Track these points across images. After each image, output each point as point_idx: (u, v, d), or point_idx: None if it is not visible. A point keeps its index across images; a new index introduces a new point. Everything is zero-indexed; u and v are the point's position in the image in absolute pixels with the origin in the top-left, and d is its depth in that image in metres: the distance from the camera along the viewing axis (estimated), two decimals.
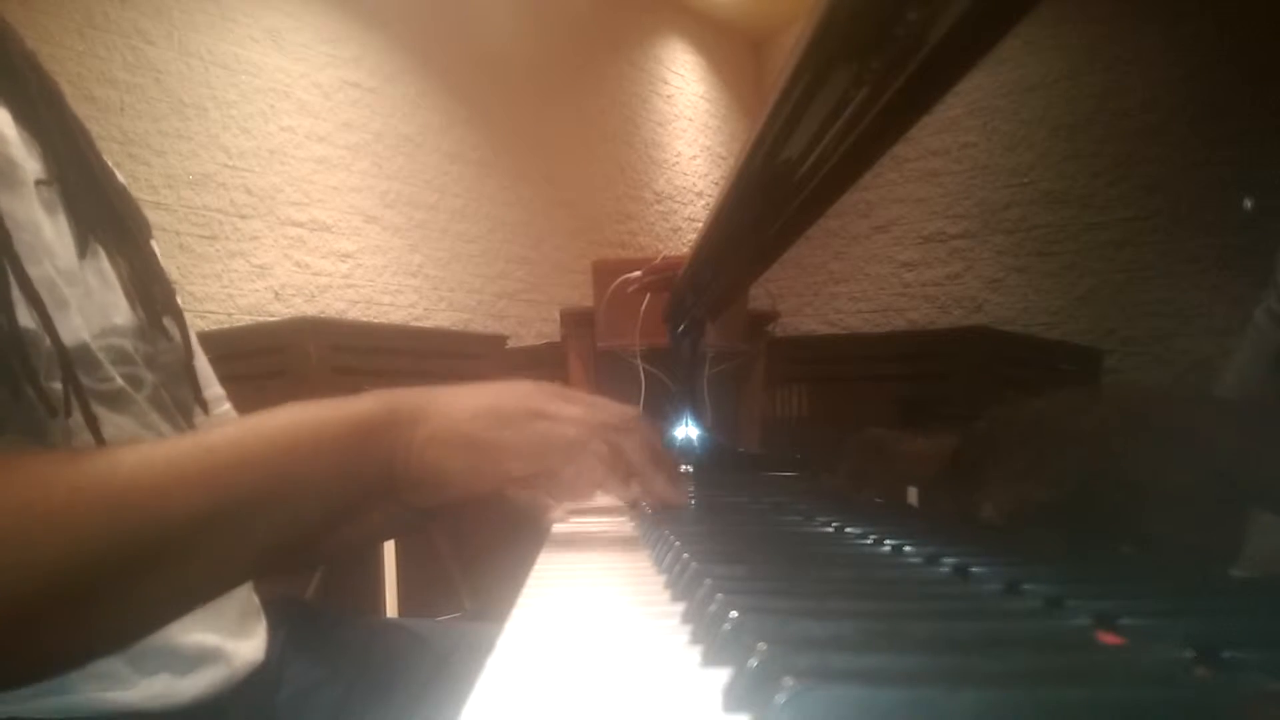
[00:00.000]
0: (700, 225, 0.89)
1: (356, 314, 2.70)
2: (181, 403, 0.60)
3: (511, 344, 2.21)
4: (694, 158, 4.10)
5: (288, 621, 0.66)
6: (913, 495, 0.65)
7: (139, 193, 0.62)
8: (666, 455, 0.51)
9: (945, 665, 0.20)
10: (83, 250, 0.52)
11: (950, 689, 0.17)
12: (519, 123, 3.25)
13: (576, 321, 2.16)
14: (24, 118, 0.51)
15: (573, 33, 3.48)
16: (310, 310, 2.57)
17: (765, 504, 0.64)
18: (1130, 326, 3.02)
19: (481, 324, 3.06)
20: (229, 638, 0.57)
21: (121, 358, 0.53)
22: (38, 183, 0.50)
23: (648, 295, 1.79)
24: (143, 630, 0.40)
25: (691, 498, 0.50)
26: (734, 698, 0.19)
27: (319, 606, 0.74)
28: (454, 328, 2.94)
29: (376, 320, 2.71)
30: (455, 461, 0.45)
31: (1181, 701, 0.17)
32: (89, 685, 0.47)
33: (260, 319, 2.41)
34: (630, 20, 3.80)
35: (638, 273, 1.82)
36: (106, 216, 0.55)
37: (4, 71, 0.52)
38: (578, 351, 2.12)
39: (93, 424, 0.48)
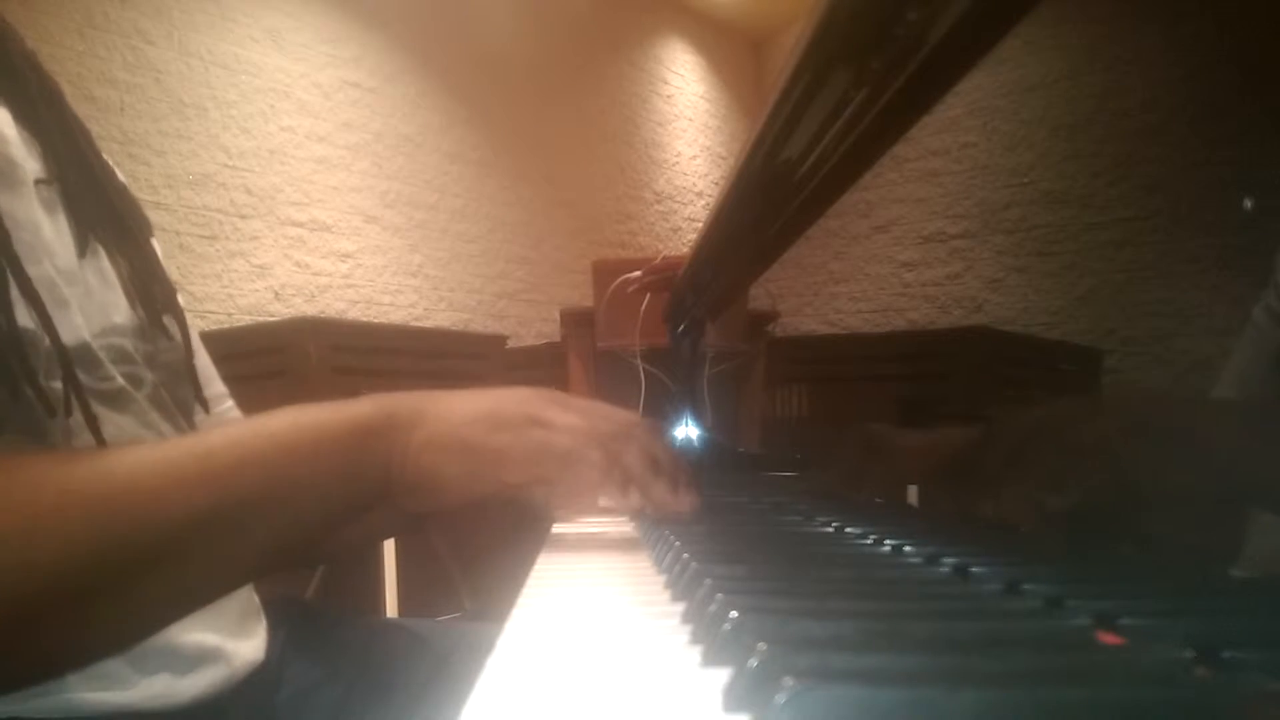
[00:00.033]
0: (700, 225, 0.89)
1: (356, 314, 2.70)
2: (182, 402, 0.60)
3: (511, 344, 2.21)
4: (694, 158, 4.10)
5: (288, 621, 0.66)
6: (913, 494, 0.65)
7: (139, 193, 0.62)
8: (670, 461, 0.50)
9: (945, 665, 0.20)
10: (82, 249, 0.52)
11: (950, 689, 0.17)
12: (519, 123, 3.25)
13: (576, 321, 2.16)
14: (24, 117, 0.51)
15: (573, 33, 3.48)
16: (310, 310, 2.57)
17: (765, 504, 0.64)
18: (1130, 326, 3.02)
19: (481, 324, 3.07)
20: (229, 637, 0.57)
21: (122, 357, 0.53)
22: (37, 182, 0.50)
23: (648, 295, 1.79)
24: (142, 632, 0.40)
25: (694, 504, 0.49)
26: (734, 698, 0.19)
27: (319, 606, 0.74)
28: (454, 328, 2.94)
29: (376, 320, 2.71)
30: (451, 467, 0.44)
31: (1181, 701, 0.17)
32: (89, 685, 0.47)
33: (260, 319, 2.41)
34: (630, 20, 3.80)
35: (638, 273, 1.82)
36: (106, 215, 0.55)
37: (4, 71, 0.52)
38: (578, 351, 2.12)
39: (92, 424, 0.48)
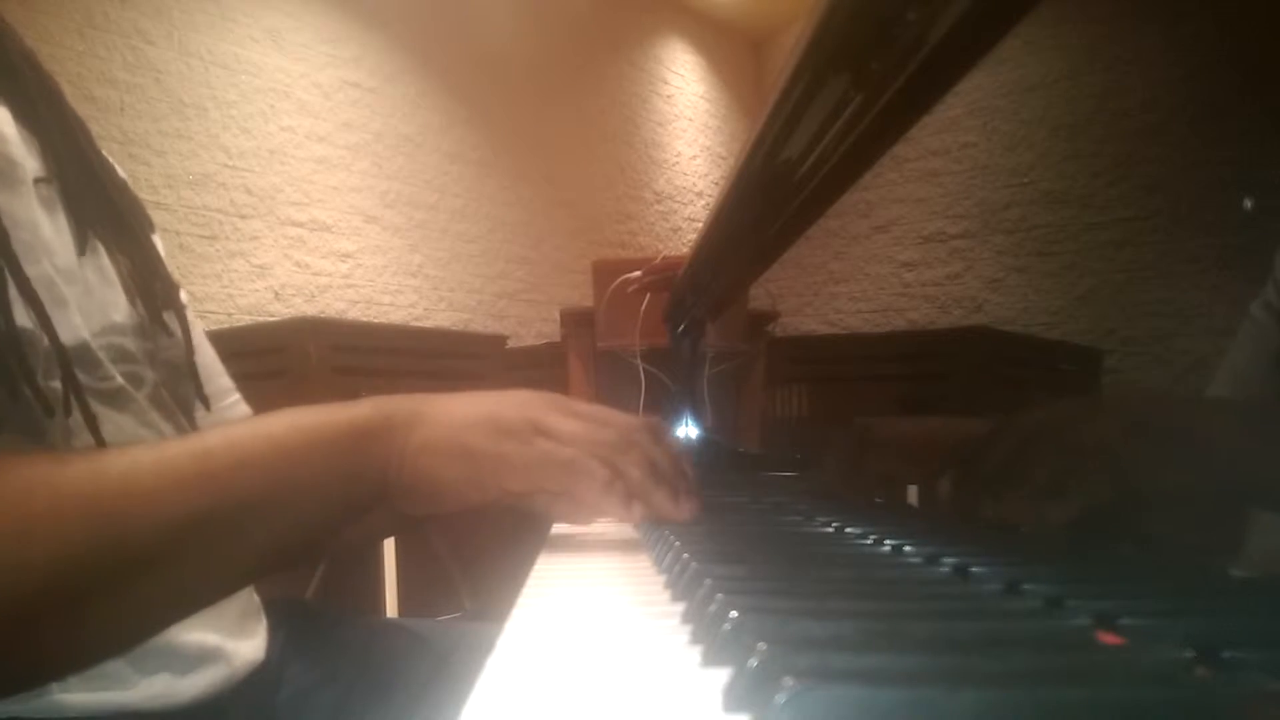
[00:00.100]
0: (700, 225, 0.89)
1: (356, 314, 2.70)
2: (183, 400, 0.60)
3: (511, 344, 2.21)
4: (694, 158, 4.10)
5: (288, 621, 0.66)
6: (913, 494, 0.65)
7: (139, 193, 0.63)
8: (672, 465, 0.49)
9: (945, 665, 0.20)
10: (82, 247, 0.52)
11: (950, 689, 0.17)
12: (519, 123, 3.25)
13: (576, 321, 2.16)
14: (23, 116, 0.51)
15: (573, 33, 3.48)
16: (310, 310, 2.57)
17: (765, 504, 0.64)
18: (1130, 326, 3.02)
19: (481, 324, 3.07)
20: (229, 637, 0.57)
21: (122, 356, 0.53)
22: (37, 181, 0.50)
23: (648, 295, 1.79)
24: (140, 635, 0.40)
25: (696, 508, 0.49)
26: (734, 698, 0.19)
27: (319, 606, 0.74)
28: (454, 328, 2.94)
29: (376, 320, 2.71)
30: (449, 471, 0.44)
31: (1181, 701, 0.17)
32: (89, 685, 0.47)
33: (260, 319, 2.41)
34: (630, 20, 3.80)
35: (638, 273, 1.82)
36: (106, 213, 0.55)
37: (3, 70, 0.52)
38: (578, 351, 2.12)
39: (92, 423, 0.48)
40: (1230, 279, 2.69)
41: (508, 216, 3.20)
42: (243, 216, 2.44)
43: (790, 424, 2.15)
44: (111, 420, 0.50)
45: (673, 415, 1.14)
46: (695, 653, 0.24)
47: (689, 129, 4.08)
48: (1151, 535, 0.43)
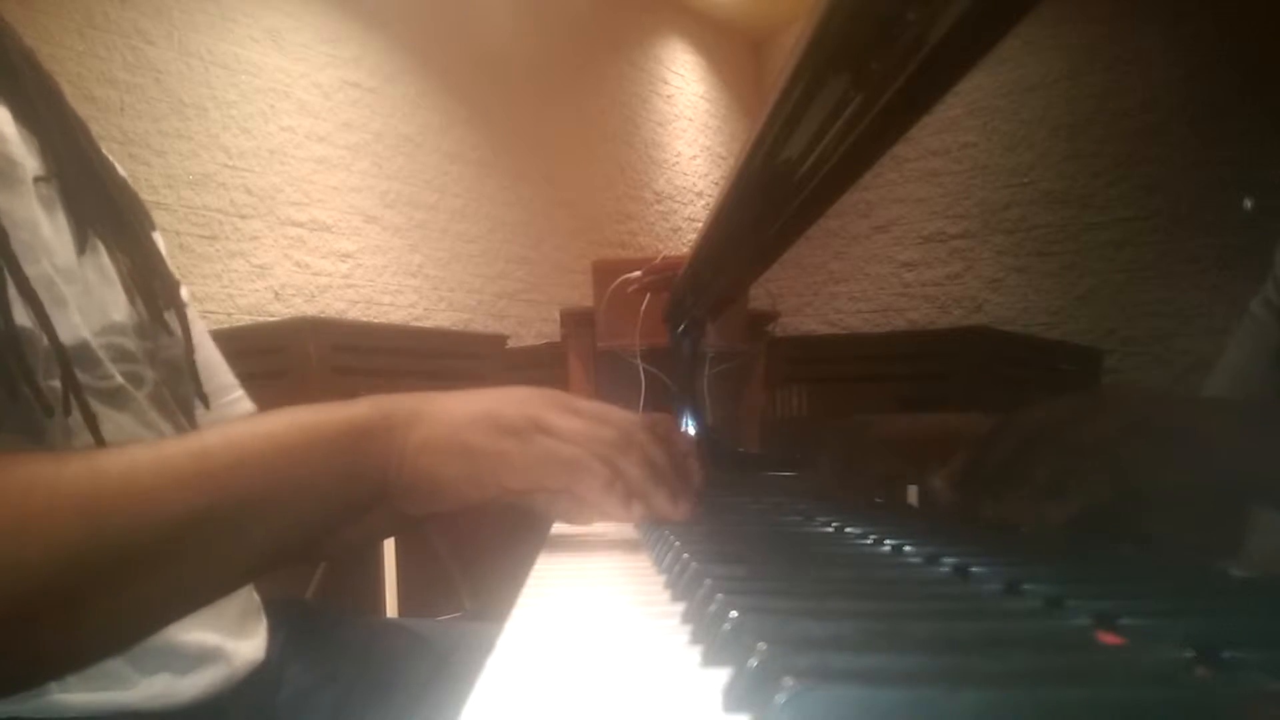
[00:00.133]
0: (700, 225, 0.89)
1: (356, 314, 2.70)
2: (183, 399, 0.60)
3: (511, 344, 2.21)
4: (694, 158, 4.10)
5: (288, 621, 0.66)
6: (909, 493, 0.65)
7: (139, 192, 0.63)
8: (674, 464, 0.49)
9: (945, 665, 0.20)
10: (81, 246, 0.52)
11: (950, 689, 0.17)
12: (519, 123, 3.25)
13: (576, 321, 2.16)
14: (22, 115, 0.51)
15: (573, 33, 3.48)
16: (310, 310, 2.57)
17: (765, 504, 0.64)
18: (1130, 326, 3.02)
19: (481, 324, 3.07)
20: (229, 637, 0.57)
21: (122, 355, 0.53)
22: (36, 180, 0.50)
23: (648, 295, 1.79)
24: (138, 634, 0.40)
25: (696, 507, 0.49)
26: (734, 698, 0.19)
27: (319, 606, 0.74)
28: (454, 328, 2.95)
29: (376, 320, 2.71)
30: (450, 469, 0.44)
31: (1181, 701, 0.17)
32: (89, 685, 0.47)
33: (260, 319, 2.41)
34: (630, 20, 3.80)
35: (638, 273, 1.82)
36: (106, 211, 0.55)
37: (2, 69, 0.52)
38: (578, 351, 2.12)
39: (91, 423, 0.48)
40: (1230, 279, 2.69)
41: (508, 216, 3.20)
42: (243, 216, 2.44)
43: (790, 424, 2.15)
44: (111, 420, 0.50)
45: (672, 415, 1.14)
46: (695, 653, 0.24)
47: (689, 129, 4.08)
48: (1151, 535, 0.43)
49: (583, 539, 0.53)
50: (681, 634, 0.27)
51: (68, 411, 0.46)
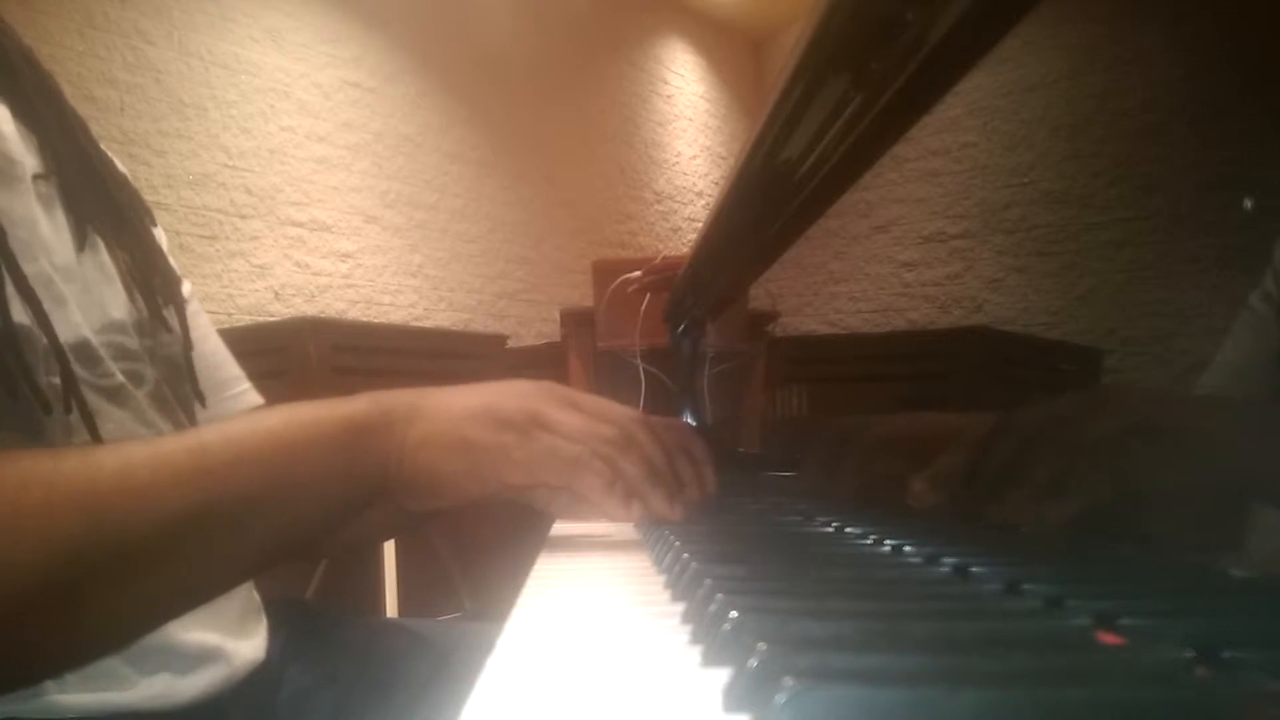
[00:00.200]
0: (700, 225, 0.89)
1: (356, 314, 2.70)
2: (184, 397, 0.60)
3: (511, 344, 2.21)
4: (694, 158, 4.10)
5: (288, 621, 0.66)
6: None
7: (139, 192, 0.63)
8: (673, 463, 0.49)
9: (945, 665, 0.20)
10: (81, 243, 0.52)
11: (950, 689, 0.17)
12: (519, 123, 3.25)
13: (576, 321, 2.16)
14: (21, 112, 0.51)
15: (573, 33, 3.48)
16: (310, 310, 2.57)
17: (765, 504, 0.64)
18: (1130, 326, 3.02)
19: (481, 324, 3.07)
20: (229, 637, 0.57)
21: (123, 354, 0.53)
22: (35, 177, 0.50)
23: (648, 295, 1.78)
24: (136, 631, 0.40)
25: (695, 504, 0.49)
26: (734, 698, 0.19)
27: (319, 606, 0.74)
28: (454, 328, 2.95)
29: (376, 320, 2.71)
30: (450, 464, 0.43)
31: (1181, 701, 0.17)
32: (88, 685, 0.47)
33: (260, 319, 2.41)
34: (630, 20, 3.80)
35: (638, 273, 1.82)
36: (105, 207, 0.55)
37: (0, 67, 0.52)
38: (578, 351, 2.12)
39: (89, 421, 0.48)
40: (1230, 279, 2.69)
41: (508, 216, 3.20)
42: (243, 216, 2.44)
43: (790, 424, 2.16)
44: (111, 418, 0.50)
45: (672, 415, 1.14)
46: (695, 653, 0.24)
47: (689, 129, 4.08)
48: (1151, 535, 0.43)
49: (583, 539, 0.53)
50: (681, 634, 0.27)
51: (68, 410, 0.46)
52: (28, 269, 0.45)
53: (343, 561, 1.63)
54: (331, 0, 2.69)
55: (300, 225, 2.58)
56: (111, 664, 0.48)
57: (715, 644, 0.23)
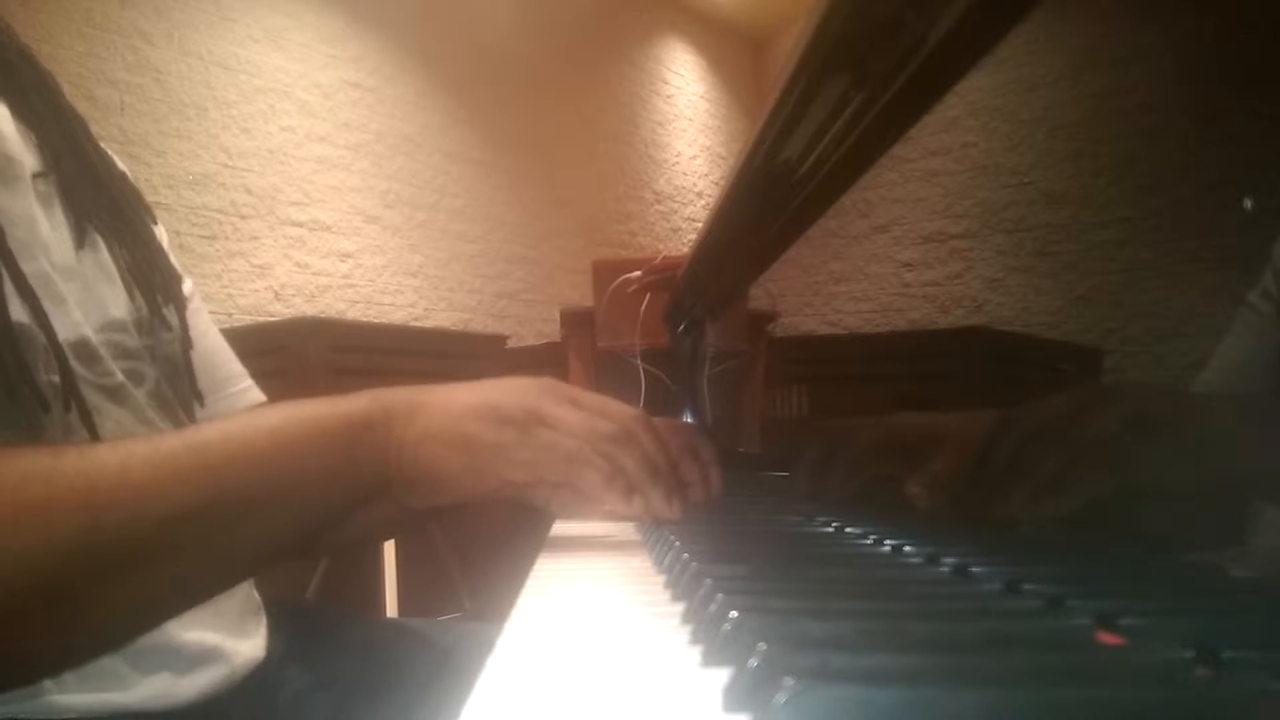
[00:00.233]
0: (700, 225, 0.89)
1: (356, 314, 2.70)
2: (184, 396, 0.60)
3: (511, 344, 2.21)
4: (694, 158, 4.10)
5: (288, 621, 0.66)
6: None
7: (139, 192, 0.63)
8: (682, 460, 0.49)
9: (945, 665, 0.20)
10: (80, 241, 0.52)
11: (950, 689, 0.17)
12: (519, 123, 3.25)
13: (576, 321, 2.16)
14: (19, 111, 0.51)
15: (573, 33, 3.48)
16: (310, 310, 2.57)
17: (765, 504, 0.64)
18: (1130, 326, 3.02)
19: (481, 324, 3.07)
20: (229, 637, 0.57)
21: (123, 352, 0.53)
22: (34, 176, 0.50)
23: (648, 295, 1.78)
24: (137, 628, 0.40)
25: (691, 503, 0.49)
26: (734, 697, 0.19)
27: (319, 606, 0.74)
28: (454, 328, 2.94)
29: (376, 320, 2.71)
30: (451, 461, 0.43)
31: (1181, 701, 0.17)
32: (88, 685, 0.47)
33: (260, 319, 2.41)
34: (630, 20, 3.80)
35: (638, 273, 1.82)
36: (105, 206, 0.55)
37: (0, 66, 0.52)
38: (578, 351, 2.12)
39: (87, 419, 0.48)
40: (1230, 279, 2.69)
41: (508, 216, 3.20)
42: (243, 216, 2.44)
43: (790, 424, 2.16)
44: (111, 416, 0.50)
45: (673, 416, 1.14)
46: (695, 653, 0.24)
47: (689, 129, 4.08)
48: (1152, 532, 0.43)
49: (583, 540, 0.53)
50: (682, 634, 0.27)
51: (67, 408, 0.46)
52: (27, 268, 0.45)
53: (343, 561, 1.63)
54: (331, 0, 2.69)
55: (300, 225, 2.58)
56: (111, 664, 0.48)
57: (715, 644, 0.23)
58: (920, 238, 3.65)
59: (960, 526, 0.48)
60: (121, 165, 0.61)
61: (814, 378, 2.18)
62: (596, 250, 3.41)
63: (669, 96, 3.97)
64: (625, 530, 0.55)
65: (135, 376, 0.54)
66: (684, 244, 3.87)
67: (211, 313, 0.68)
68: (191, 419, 0.60)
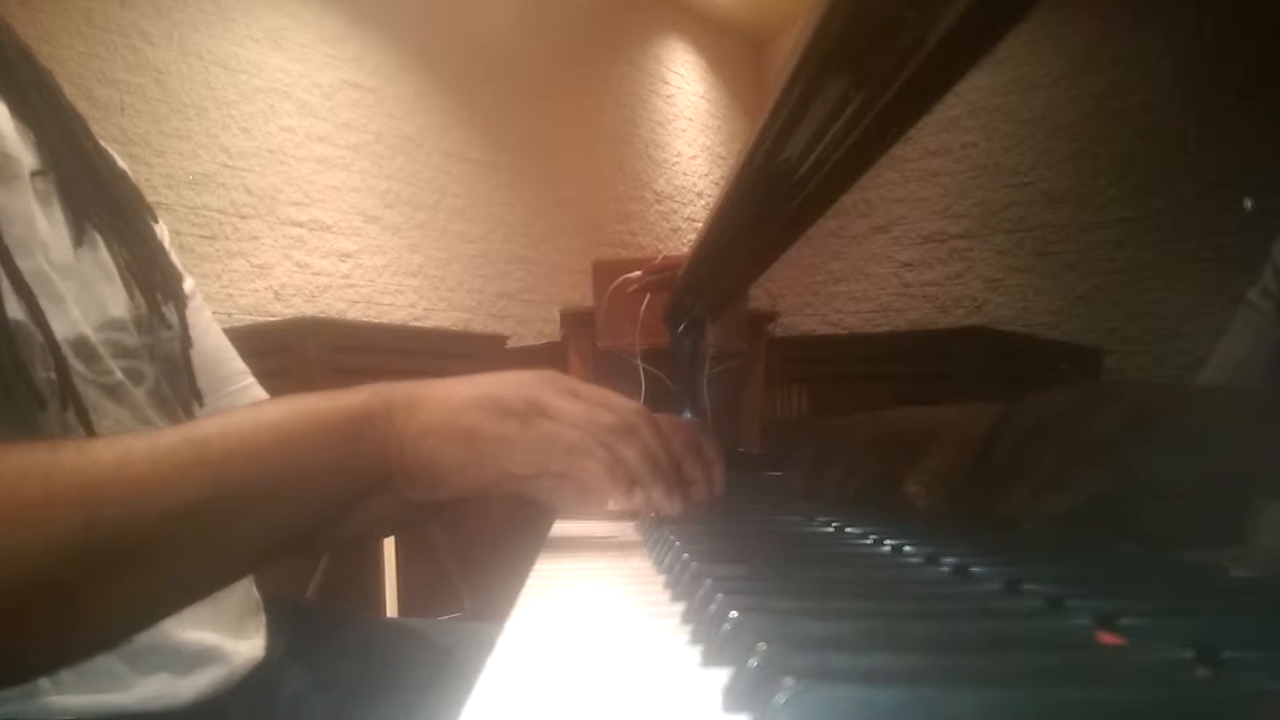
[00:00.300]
0: (700, 225, 0.89)
1: (356, 314, 2.70)
2: (183, 395, 0.60)
3: (511, 344, 2.21)
4: (694, 158, 4.10)
5: (288, 621, 0.66)
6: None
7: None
8: (686, 458, 0.48)
9: (945, 665, 0.20)
10: (79, 239, 0.52)
11: (950, 689, 0.17)
12: (519, 123, 3.25)
13: (576, 321, 2.16)
14: (18, 109, 0.51)
15: (573, 33, 3.48)
16: (310, 310, 2.57)
17: (765, 504, 0.64)
18: (1130, 326, 3.02)
19: (481, 324, 3.07)
20: (229, 637, 0.57)
21: (123, 351, 0.53)
22: (33, 174, 0.50)
23: (648, 295, 1.78)
24: (135, 626, 0.40)
25: (689, 502, 0.49)
26: (734, 697, 0.19)
27: (319, 606, 0.74)
28: (454, 328, 2.94)
29: (376, 320, 2.71)
30: (451, 454, 0.43)
31: (1181, 701, 0.17)
32: (87, 686, 0.47)
33: (260, 319, 2.41)
34: (630, 20, 3.80)
35: (638, 273, 1.82)
36: (104, 204, 0.55)
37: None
38: (578, 351, 2.12)
39: (84, 418, 0.47)
40: (1230, 279, 2.69)
41: (508, 216, 3.20)
42: (243, 216, 2.44)
43: (790, 424, 2.16)
44: (110, 415, 0.50)
45: (672, 416, 1.14)
46: (695, 653, 0.24)
47: (689, 129, 4.08)
48: (1152, 530, 0.43)
49: (583, 540, 0.53)
50: (682, 634, 0.27)
51: (64, 406, 0.46)
52: (24, 265, 0.45)
53: (342, 561, 1.63)
54: (331, 0, 2.69)
55: (300, 225, 2.58)
56: (109, 664, 0.48)
57: (715, 644, 0.23)
58: (920, 238, 3.65)
59: (960, 526, 0.48)
60: (122, 164, 0.61)
61: (814, 378, 2.18)
62: (596, 250, 3.41)
63: (669, 96, 3.97)
64: (625, 530, 0.55)
65: (135, 375, 0.54)
66: (684, 244, 3.87)
67: (211, 313, 0.68)
68: (191, 417, 0.60)
